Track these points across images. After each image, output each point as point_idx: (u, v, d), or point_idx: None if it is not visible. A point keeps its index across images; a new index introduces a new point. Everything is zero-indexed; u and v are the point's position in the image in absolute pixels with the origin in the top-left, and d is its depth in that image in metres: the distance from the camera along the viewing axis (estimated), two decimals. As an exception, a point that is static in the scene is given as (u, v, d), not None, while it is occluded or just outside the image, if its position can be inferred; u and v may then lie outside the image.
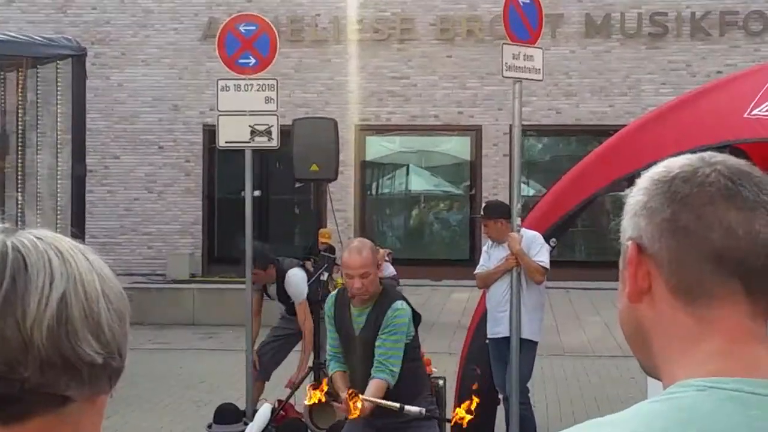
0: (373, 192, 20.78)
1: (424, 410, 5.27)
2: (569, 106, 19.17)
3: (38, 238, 1.24)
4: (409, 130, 19.75)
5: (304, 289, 8.62)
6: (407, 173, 20.67)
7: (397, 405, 5.16)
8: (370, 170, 20.45)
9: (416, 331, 5.66)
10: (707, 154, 1.34)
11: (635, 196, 1.34)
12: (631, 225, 1.33)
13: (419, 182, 20.87)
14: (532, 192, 20.30)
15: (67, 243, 1.27)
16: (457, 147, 20.12)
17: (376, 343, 5.34)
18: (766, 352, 1.27)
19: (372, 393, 5.23)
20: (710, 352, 1.26)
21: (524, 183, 20.42)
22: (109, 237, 19.50)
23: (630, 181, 1.44)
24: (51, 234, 1.28)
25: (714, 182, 1.29)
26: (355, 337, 5.48)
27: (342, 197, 19.29)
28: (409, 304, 5.63)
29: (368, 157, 20.07)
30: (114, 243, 19.55)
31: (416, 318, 5.68)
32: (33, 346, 1.16)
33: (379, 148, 20.32)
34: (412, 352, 5.52)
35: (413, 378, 5.58)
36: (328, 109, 19.06)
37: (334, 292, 5.74)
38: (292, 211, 20.15)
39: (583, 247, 20.55)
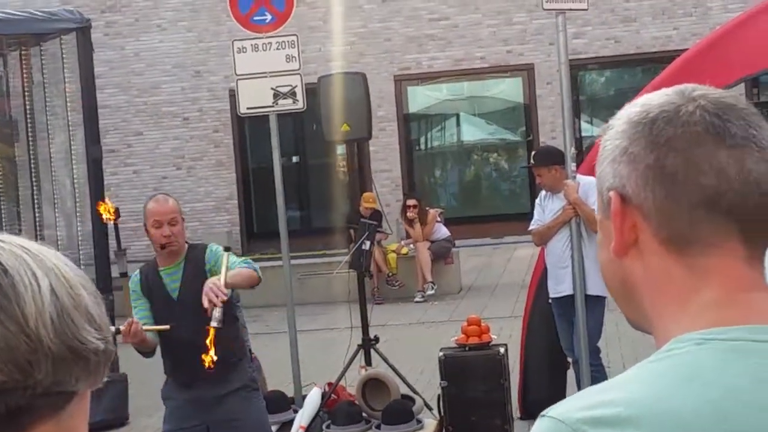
0: (421, 147, 20.75)
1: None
2: (629, 33, 18.95)
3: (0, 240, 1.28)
4: (454, 75, 19.67)
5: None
6: (457, 123, 20.61)
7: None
8: (415, 123, 20.42)
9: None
10: (687, 87, 1.33)
11: (612, 141, 1.33)
12: (610, 173, 1.32)
13: (471, 131, 20.80)
14: (597, 131, 20.16)
15: (24, 240, 1.31)
16: (509, 89, 20.02)
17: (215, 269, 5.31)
18: (765, 297, 1.27)
19: (238, 274, 5.22)
20: (707, 302, 1.27)
21: (587, 122, 20.29)
22: (139, 221, 19.62)
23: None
24: (6, 235, 1.33)
25: (699, 120, 1.28)
26: (173, 302, 5.44)
27: (386, 156, 19.32)
28: None
29: (412, 109, 20.04)
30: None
31: None
32: (42, 344, 1.19)
33: (423, 98, 20.27)
34: (235, 310, 5.58)
35: (236, 339, 5.61)
36: (364, 60, 19.04)
37: (137, 271, 5.66)
38: (334, 174, 20.20)
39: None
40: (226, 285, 5.08)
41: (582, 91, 20.18)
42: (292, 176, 19.71)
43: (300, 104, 8.24)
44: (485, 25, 19.18)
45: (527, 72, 19.33)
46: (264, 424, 5.84)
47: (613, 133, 1.34)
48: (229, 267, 5.23)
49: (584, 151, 19.38)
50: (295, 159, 20.29)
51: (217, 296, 4.97)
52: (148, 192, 19.91)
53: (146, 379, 10.24)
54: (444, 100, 20.37)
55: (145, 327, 5.31)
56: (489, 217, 19.29)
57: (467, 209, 19.89)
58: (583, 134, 20.09)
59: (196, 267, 5.41)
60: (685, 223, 1.27)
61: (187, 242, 5.59)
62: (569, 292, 7.77)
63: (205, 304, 4.98)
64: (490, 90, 20.20)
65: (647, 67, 19.47)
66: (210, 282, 5.06)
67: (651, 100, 1.33)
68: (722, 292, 1.27)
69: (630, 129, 1.31)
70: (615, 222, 1.31)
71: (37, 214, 10.49)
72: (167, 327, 5.36)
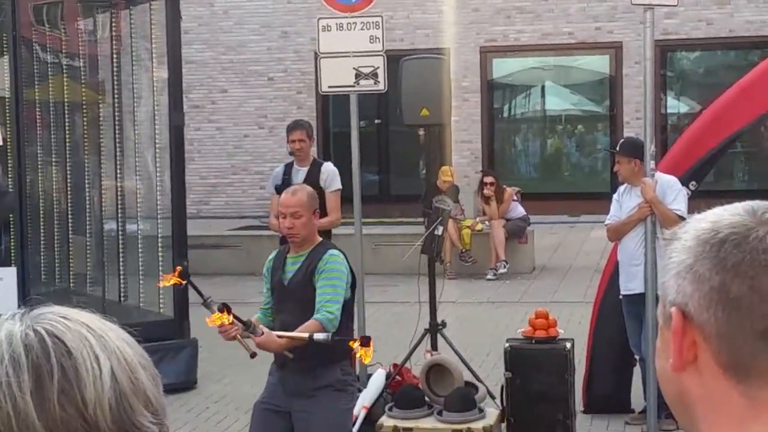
0: (504, 116, 20.61)
1: (329, 336, 5.38)
2: (722, 16, 18.58)
3: (63, 317, 1.30)
4: (539, 50, 19.48)
5: (338, 180, 9.16)
6: (542, 93, 20.40)
7: (306, 335, 5.38)
8: (499, 92, 20.28)
9: (352, 293, 5.77)
10: (760, 207, 1.30)
11: (678, 255, 1.31)
12: (674, 287, 1.30)
13: (555, 102, 20.60)
14: (684, 109, 19.88)
15: (89, 317, 1.33)
16: (596, 62, 19.81)
17: (317, 290, 5.57)
18: None
19: (301, 330, 5.47)
20: None
21: (675, 99, 19.99)
22: (219, 177, 19.93)
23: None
24: (71, 311, 1.34)
25: None
26: (285, 287, 5.70)
27: (468, 126, 19.25)
28: (347, 260, 5.80)
29: (496, 77, 19.87)
30: (224, 184, 19.98)
31: (353, 281, 5.81)
32: (99, 429, 1.21)
33: (508, 66, 20.12)
34: (345, 313, 5.67)
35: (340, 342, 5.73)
36: (450, 30, 18.95)
37: (276, 251, 6.00)
38: (415, 141, 20.16)
39: (745, 174, 20.00)
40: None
41: (671, 66, 19.86)
42: (373, 139, 19.71)
43: (381, 86, 8.22)
44: (575, 0, 18.94)
45: (615, 50, 19.08)
46: (337, 427, 5.88)
47: (680, 247, 1.31)
48: (319, 299, 5.53)
49: (668, 130, 19.14)
50: (377, 121, 20.21)
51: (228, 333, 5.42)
52: (229, 149, 20.13)
53: (216, 345, 10.38)
54: (529, 68, 20.16)
55: (238, 337, 5.53)
56: (567, 195, 19.15)
57: (546, 185, 19.75)
58: (669, 111, 19.83)
59: (311, 263, 5.66)
60: (746, 351, 1.25)
61: (322, 238, 5.86)
62: (640, 290, 7.71)
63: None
64: (577, 61, 19.99)
65: (739, 51, 19.11)
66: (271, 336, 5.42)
67: (721, 217, 1.30)
68: None
69: (697, 247, 1.28)
70: (675, 340, 1.29)
71: (118, 165, 10.67)
72: (254, 352, 5.57)
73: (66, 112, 11.32)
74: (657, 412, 7.47)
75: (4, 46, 9.56)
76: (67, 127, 11.37)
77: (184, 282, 5.68)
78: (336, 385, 5.77)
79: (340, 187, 9.19)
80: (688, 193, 7.88)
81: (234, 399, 9.12)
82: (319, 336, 5.33)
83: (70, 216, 11.44)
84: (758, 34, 18.22)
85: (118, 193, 10.77)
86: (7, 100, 9.41)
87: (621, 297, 8.05)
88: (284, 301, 5.70)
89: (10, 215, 9.59)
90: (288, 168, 9.61)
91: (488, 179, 14.93)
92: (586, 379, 8.47)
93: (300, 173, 9.36)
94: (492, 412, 7.61)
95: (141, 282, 10.44)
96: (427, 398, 7.79)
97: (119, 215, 10.82)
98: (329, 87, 8.41)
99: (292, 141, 9.51)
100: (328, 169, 9.34)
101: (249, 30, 19.89)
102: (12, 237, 9.63)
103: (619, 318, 8.11)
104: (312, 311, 5.52)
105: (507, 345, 7.77)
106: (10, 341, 1.24)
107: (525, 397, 7.57)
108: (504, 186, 15.04)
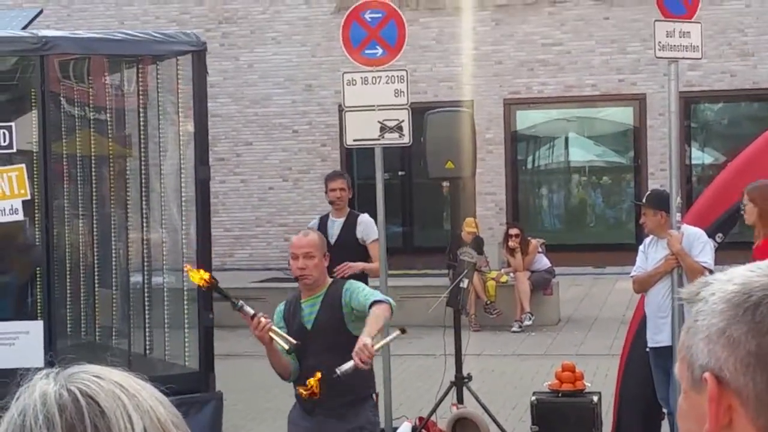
0: (528, 168, 20.62)
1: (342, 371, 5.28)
2: (745, 68, 18.59)
3: (97, 376, 1.30)
4: (563, 102, 19.53)
5: (376, 230, 9.07)
6: (565, 144, 20.41)
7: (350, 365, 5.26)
8: (523, 144, 20.30)
9: None
10: None
11: (707, 318, 1.29)
12: (705, 351, 1.29)
13: (579, 153, 20.59)
14: (709, 160, 19.84)
15: (121, 375, 1.34)
16: (620, 113, 19.84)
17: (356, 303, 5.53)
18: None
19: (376, 317, 5.38)
20: None
21: (699, 150, 19.96)
22: (244, 230, 19.98)
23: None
24: (104, 370, 1.35)
25: None
26: (308, 331, 5.64)
27: (492, 178, 19.26)
28: None
29: (520, 129, 19.91)
30: (249, 236, 20.02)
31: None
32: None
33: (532, 118, 20.17)
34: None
35: (367, 377, 5.73)
36: (474, 83, 19.03)
37: (284, 300, 5.97)
38: (439, 193, 20.19)
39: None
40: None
41: (694, 118, 19.86)
42: (397, 191, 19.74)
43: (406, 139, 8.25)
44: (598, 52, 19.01)
45: (639, 102, 19.10)
46: None
47: (708, 311, 1.29)
48: (365, 300, 5.49)
49: (693, 181, 19.11)
50: (401, 173, 20.25)
51: (364, 362, 5.20)
52: (254, 201, 20.20)
53: (241, 398, 10.38)
54: (552, 120, 20.19)
55: (273, 328, 5.47)
56: (592, 246, 19.08)
57: (570, 236, 19.70)
58: (694, 162, 19.79)
59: (333, 301, 5.66)
60: None
61: (332, 278, 5.90)
62: (667, 342, 7.67)
63: (357, 363, 5.19)
64: (600, 113, 20.02)
65: (763, 102, 19.11)
66: (363, 342, 5.24)
67: (750, 279, 1.29)
68: None
69: (729, 310, 1.27)
70: (711, 407, 1.27)
71: (144, 218, 10.71)
72: (295, 342, 5.48)
73: (93, 165, 11.37)
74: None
75: (33, 100, 9.64)
76: (93, 181, 11.42)
77: (211, 283, 5.59)
78: (368, 427, 5.82)
79: (378, 236, 9.22)
80: (714, 245, 7.86)
81: (259, 452, 9.08)
82: (344, 366, 5.26)
83: (96, 269, 11.46)
84: (782, 85, 18.21)
85: (144, 246, 10.78)
86: (34, 154, 9.46)
87: (648, 350, 8.00)
88: (308, 344, 5.62)
89: (37, 268, 9.62)
90: (323, 220, 9.69)
91: (513, 231, 14.93)
92: (613, 433, 8.40)
93: (336, 224, 9.41)
94: (519, 467, 7.58)
95: (166, 335, 10.43)
96: (453, 452, 7.76)
97: (145, 268, 10.83)
98: (354, 140, 8.46)
99: (332, 189, 9.59)
100: (365, 220, 9.39)
101: (273, 83, 20.03)
102: (38, 290, 9.65)
103: (647, 371, 8.05)
104: (337, 351, 5.41)
105: (533, 398, 7.74)
106: (44, 401, 1.25)
107: (552, 451, 7.53)
108: (529, 238, 15.03)
